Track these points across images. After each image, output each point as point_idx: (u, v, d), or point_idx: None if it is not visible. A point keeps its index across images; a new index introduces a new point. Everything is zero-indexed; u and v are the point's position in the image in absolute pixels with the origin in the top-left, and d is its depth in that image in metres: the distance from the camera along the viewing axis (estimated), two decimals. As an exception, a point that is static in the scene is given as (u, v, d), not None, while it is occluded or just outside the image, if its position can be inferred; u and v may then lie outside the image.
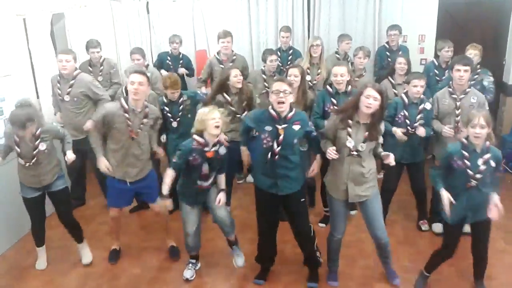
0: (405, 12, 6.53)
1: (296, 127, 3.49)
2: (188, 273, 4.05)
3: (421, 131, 4.25)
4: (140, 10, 6.95)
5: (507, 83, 6.71)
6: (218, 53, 5.77)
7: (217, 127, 3.54)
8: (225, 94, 4.61)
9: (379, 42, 6.58)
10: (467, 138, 3.37)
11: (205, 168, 3.65)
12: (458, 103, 4.19)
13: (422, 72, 5.12)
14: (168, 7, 6.93)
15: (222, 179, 3.85)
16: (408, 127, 4.29)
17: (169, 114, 4.62)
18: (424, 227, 4.68)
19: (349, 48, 5.92)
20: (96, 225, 4.94)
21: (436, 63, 5.56)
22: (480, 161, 3.32)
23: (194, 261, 4.13)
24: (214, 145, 3.63)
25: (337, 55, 5.89)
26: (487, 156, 3.32)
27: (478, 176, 3.33)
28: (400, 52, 5.98)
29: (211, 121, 3.52)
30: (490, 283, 3.82)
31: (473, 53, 5.03)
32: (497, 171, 3.36)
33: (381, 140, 3.53)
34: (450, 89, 4.29)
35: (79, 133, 4.87)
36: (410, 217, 4.83)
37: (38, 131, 3.84)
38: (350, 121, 3.41)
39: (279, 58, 5.96)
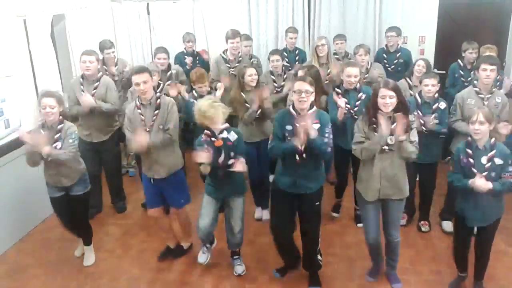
0: (405, 13, 6.54)
1: (316, 126, 3.45)
2: (202, 258, 4.11)
3: (428, 119, 4.19)
4: (141, 11, 6.96)
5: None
6: (224, 52, 5.75)
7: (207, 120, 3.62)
8: (241, 93, 4.61)
9: (379, 43, 6.58)
10: (470, 135, 3.38)
11: (220, 157, 3.65)
12: (485, 103, 4.14)
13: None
14: (169, 8, 6.94)
15: (240, 161, 3.68)
16: (423, 127, 4.24)
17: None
18: (425, 228, 4.67)
19: (343, 48, 5.89)
20: (98, 226, 4.93)
21: (462, 64, 5.50)
22: (484, 159, 3.31)
23: (209, 245, 4.13)
24: (221, 132, 3.67)
25: (335, 56, 5.86)
26: (492, 153, 3.31)
27: (483, 174, 3.31)
28: (399, 54, 5.98)
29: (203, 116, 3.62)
30: (490, 284, 3.82)
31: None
32: (505, 171, 3.30)
33: (415, 138, 3.47)
34: (476, 89, 4.25)
35: (104, 134, 4.91)
36: (427, 227, 4.80)
37: (60, 126, 3.87)
38: (374, 119, 3.43)
39: (286, 59, 5.96)
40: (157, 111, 3.93)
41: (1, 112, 4.52)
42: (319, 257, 3.90)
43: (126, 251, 4.52)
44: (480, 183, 3.26)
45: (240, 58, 5.71)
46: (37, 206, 4.80)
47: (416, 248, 4.40)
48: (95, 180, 4.84)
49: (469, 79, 5.24)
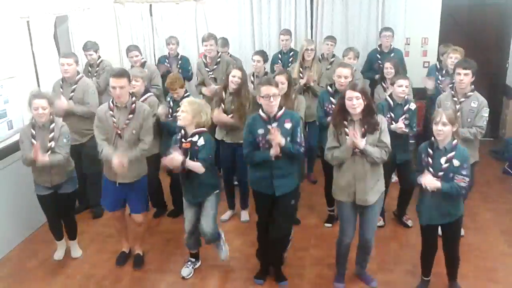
0: (408, 15, 6.55)
1: (288, 125, 3.54)
2: (185, 271, 4.09)
3: (398, 126, 4.27)
4: (143, 12, 6.97)
5: (510, 86, 6.70)
6: (204, 57, 5.72)
7: (178, 119, 3.66)
8: (223, 92, 4.65)
9: (381, 45, 6.58)
10: (434, 136, 3.42)
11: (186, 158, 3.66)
12: (457, 106, 4.18)
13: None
14: (171, 10, 6.95)
15: (195, 164, 3.68)
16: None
17: (170, 110, 4.67)
18: (410, 222, 4.74)
19: (331, 50, 5.89)
20: (99, 227, 4.94)
21: (438, 67, 5.55)
22: (443, 159, 3.35)
23: (193, 259, 4.15)
24: (192, 136, 3.69)
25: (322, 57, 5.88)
26: (451, 154, 3.34)
27: (439, 174, 3.35)
28: (392, 54, 5.98)
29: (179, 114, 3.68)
30: (493, 286, 3.82)
31: (454, 56, 5.03)
32: (458, 173, 3.32)
33: (386, 139, 3.47)
34: (453, 92, 4.29)
35: (82, 137, 4.87)
36: (412, 221, 4.81)
37: (52, 125, 3.94)
38: (345, 122, 3.45)
39: (280, 60, 5.99)
40: (131, 116, 3.89)
41: (4, 114, 4.53)
42: (284, 254, 4.01)
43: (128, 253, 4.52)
44: (427, 180, 3.32)
45: (218, 60, 5.63)
46: (40, 208, 4.79)
47: (418, 250, 4.35)
48: (79, 181, 4.74)
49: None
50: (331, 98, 4.39)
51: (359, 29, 6.70)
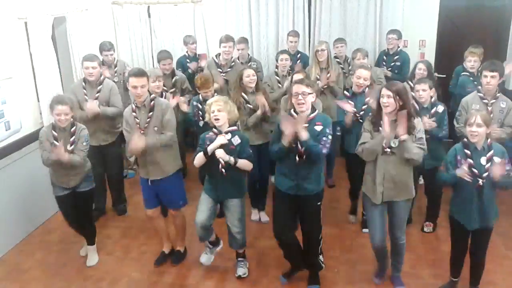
0: (406, 17, 6.55)
1: (318, 128, 3.50)
2: (204, 258, 4.11)
3: (425, 120, 4.17)
4: (141, 14, 6.96)
5: (507, 88, 6.71)
6: (217, 56, 5.75)
7: (216, 119, 3.65)
8: (243, 94, 4.64)
9: (380, 47, 6.59)
10: (467, 137, 3.40)
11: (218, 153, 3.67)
12: (489, 108, 4.17)
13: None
14: (169, 12, 6.94)
15: (242, 162, 3.72)
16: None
17: (200, 112, 4.61)
18: (427, 228, 4.69)
19: (340, 52, 5.91)
20: (98, 228, 4.91)
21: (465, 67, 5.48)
22: (483, 160, 3.33)
23: (211, 246, 4.13)
24: (226, 133, 3.69)
25: (337, 59, 5.88)
26: (490, 153, 3.33)
27: (484, 175, 3.33)
28: (397, 57, 6.03)
29: (211, 114, 3.66)
30: (490, 289, 3.82)
31: (473, 60, 5.02)
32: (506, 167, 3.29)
33: (421, 135, 3.45)
34: (481, 94, 4.28)
35: (110, 137, 4.95)
36: (412, 223, 4.81)
37: (73, 128, 4.00)
38: (380, 120, 3.44)
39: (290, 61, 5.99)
40: (151, 113, 3.93)
41: (1, 114, 4.51)
42: (320, 257, 3.90)
43: (126, 253, 4.52)
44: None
45: (233, 63, 5.69)
46: (38, 208, 4.80)
47: (417, 252, 4.39)
48: (99, 183, 4.86)
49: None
50: (350, 101, 4.40)
51: (357, 31, 6.70)
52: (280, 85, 5.23)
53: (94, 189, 4.30)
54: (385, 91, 3.35)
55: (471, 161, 3.35)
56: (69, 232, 4.52)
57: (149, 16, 6.99)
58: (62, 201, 4.18)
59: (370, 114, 3.70)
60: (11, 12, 4.70)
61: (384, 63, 6.10)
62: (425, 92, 4.25)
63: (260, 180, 4.92)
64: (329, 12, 6.70)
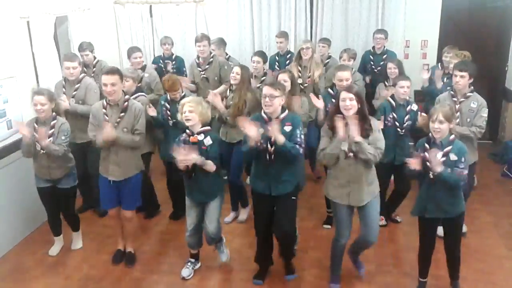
0: (408, 18, 6.56)
1: (288, 128, 3.54)
2: (185, 272, 4.08)
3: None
4: (143, 13, 6.98)
5: (509, 89, 6.71)
6: (198, 57, 5.71)
7: (187, 120, 3.66)
8: (228, 89, 4.71)
9: (381, 47, 6.58)
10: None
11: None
12: (457, 106, 4.23)
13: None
14: (171, 11, 6.96)
15: (209, 161, 3.69)
16: (398, 129, 4.44)
17: (168, 112, 4.64)
18: (398, 218, 4.88)
19: (324, 51, 5.96)
20: (99, 227, 4.94)
21: (440, 68, 5.56)
22: (439, 154, 3.36)
23: (193, 260, 4.15)
24: (198, 134, 3.71)
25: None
26: (448, 148, 3.38)
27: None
28: (385, 56, 6.06)
29: (183, 114, 3.67)
30: (492, 289, 3.82)
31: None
32: (458, 166, 3.34)
33: (380, 142, 3.48)
34: (452, 92, 4.34)
35: (87, 135, 4.88)
36: (411, 223, 4.78)
37: (53, 122, 4.04)
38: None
39: (277, 62, 6.03)
40: (122, 114, 3.94)
41: (3, 113, 4.52)
42: (295, 247, 4.03)
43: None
44: (436, 156, 3.29)
45: (211, 60, 5.63)
46: (39, 208, 4.77)
47: (417, 252, 4.37)
48: (83, 180, 4.84)
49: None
50: (333, 100, 4.38)
51: (359, 32, 6.72)
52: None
53: (76, 187, 4.36)
54: (346, 95, 3.36)
55: (426, 154, 3.39)
56: (69, 231, 4.54)
57: (151, 15, 7.01)
58: (43, 193, 4.27)
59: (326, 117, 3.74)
60: (13, 12, 4.71)
61: (371, 62, 6.17)
62: (408, 89, 4.43)
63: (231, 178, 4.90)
64: (330, 13, 6.72)
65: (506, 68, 6.76)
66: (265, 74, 5.36)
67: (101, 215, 5.15)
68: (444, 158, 3.36)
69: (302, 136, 3.58)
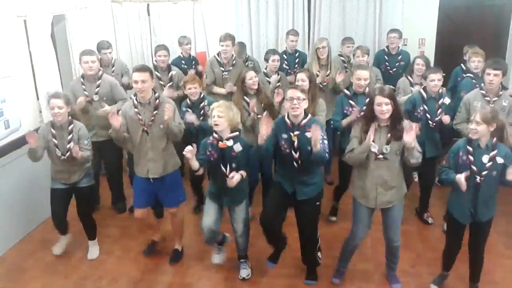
0: (406, 16, 6.55)
1: (309, 134, 3.44)
2: (216, 258, 4.08)
3: (446, 119, 4.30)
4: (141, 12, 6.95)
5: (506, 87, 6.69)
6: (218, 54, 5.71)
7: (216, 125, 3.63)
8: (245, 97, 4.64)
9: (379, 45, 6.59)
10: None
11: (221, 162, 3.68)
12: (491, 105, 4.17)
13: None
14: (169, 10, 6.93)
15: (236, 175, 3.68)
16: (429, 121, 4.38)
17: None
18: (431, 220, 4.76)
19: (350, 52, 5.89)
20: (99, 228, 4.90)
21: (464, 69, 5.48)
22: (485, 158, 3.32)
23: (220, 246, 4.11)
24: (227, 140, 3.68)
25: (341, 58, 5.89)
26: (493, 153, 3.32)
27: (483, 173, 3.33)
28: (400, 57, 6.01)
29: (212, 119, 3.64)
30: (489, 287, 3.82)
31: (476, 60, 5.04)
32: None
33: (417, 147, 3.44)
34: (483, 92, 4.29)
35: (107, 132, 4.89)
36: (411, 222, 4.81)
37: (71, 126, 4.04)
38: (368, 127, 3.45)
39: (286, 61, 5.98)
40: (155, 111, 3.93)
41: (1, 113, 4.50)
42: (318, 254, 3.94)
43: (126, 252, 4.51)
44: (461, 180, 3.27)
45: (234, 62, 5.66)
46: (37, 207, 4.79)
47: (416, 251, 4.39)
48: (95, 178, 4.83)
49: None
50: (350, 101, 4.40)
51: (357, 30, 6.70)
52: (270, 86, 5.20)
53: (94, 185, 4.34)
54: (382, 99, 3.32)
55: (471, 158, 3.35)
56: (70, 231, 4.51)
57: (149, 14, 6.98)
58: (57, 194, 4.19)
59: (359, 118, 3.72)
60: (10, 10, 4.69)
61: (386, 63, 6.04)
62: (440, 82, 4.35)
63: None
64: (328, 11, 6.70)
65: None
66: (277, 73, 5.32)
67: (120, 212, 5.24)
68: (490, 163, 3.31)
69: (326, 142, 3.48)
